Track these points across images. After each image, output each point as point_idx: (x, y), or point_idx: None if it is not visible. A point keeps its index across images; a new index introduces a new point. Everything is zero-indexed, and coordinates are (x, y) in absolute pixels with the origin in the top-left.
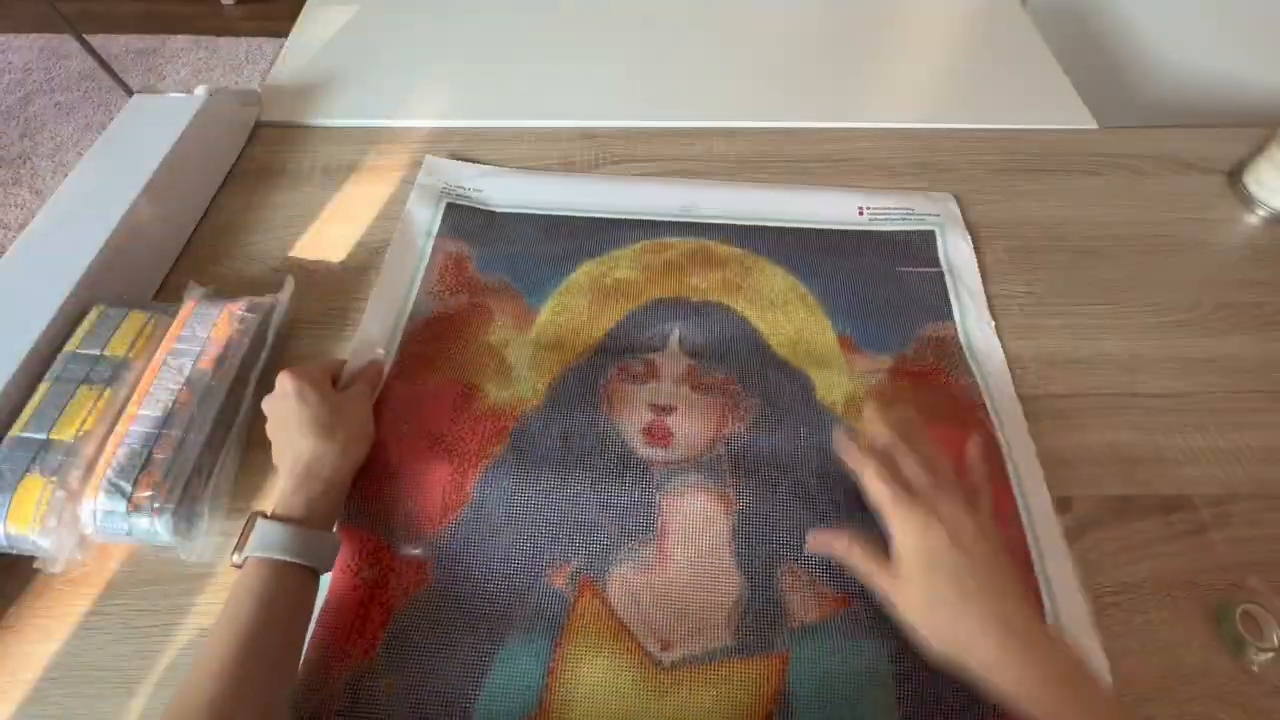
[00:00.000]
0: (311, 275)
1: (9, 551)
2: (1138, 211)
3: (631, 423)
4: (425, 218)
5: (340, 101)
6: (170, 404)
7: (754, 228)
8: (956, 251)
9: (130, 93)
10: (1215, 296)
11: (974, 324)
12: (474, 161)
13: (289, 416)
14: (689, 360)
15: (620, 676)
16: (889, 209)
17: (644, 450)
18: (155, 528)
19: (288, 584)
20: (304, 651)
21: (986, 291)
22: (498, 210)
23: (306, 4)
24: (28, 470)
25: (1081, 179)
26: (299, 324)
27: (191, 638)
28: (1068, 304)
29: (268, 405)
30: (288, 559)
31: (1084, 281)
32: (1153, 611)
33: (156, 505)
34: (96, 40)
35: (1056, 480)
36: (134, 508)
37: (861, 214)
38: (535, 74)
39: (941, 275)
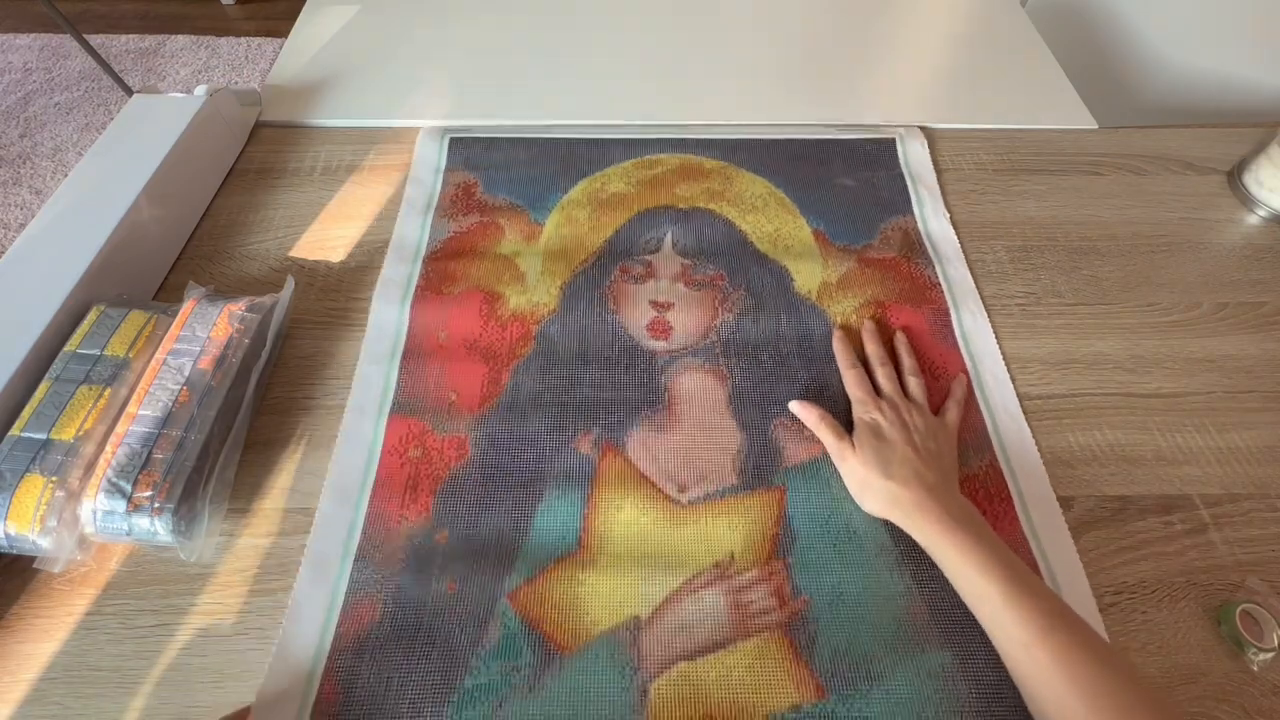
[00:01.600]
0: (311, 275)
1: (9, 551)
2: (1137, 211)
3: (636, 319)
4: (432, 155)
5: (340, 101)
6: (170, 404)
7: (733, 142)
8: (915, 155)
9: (130, 93)
10: (1215, 296)
11: (931, 215)
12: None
13: None
14: (682, 260)
15: (646, 514)
16: (855, 124)
17: (649, 343)
18: (155, 527)
19: None
20: (363, 524)
21: (986, 292)
22: (497, 137)
23: (306, 4)
24: (28, 470)
25: (1081, 179)
26: (299, 324)
27: (191, 637)
28: (1067, 304)
29: None
30: None
31: (1083, 281)
32: (1153, 611)
33: (156, 505)
34: (96, 40)
35: (1056, 480)
36: (134, 507)
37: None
38: (535, 74)
39: (902, 176)
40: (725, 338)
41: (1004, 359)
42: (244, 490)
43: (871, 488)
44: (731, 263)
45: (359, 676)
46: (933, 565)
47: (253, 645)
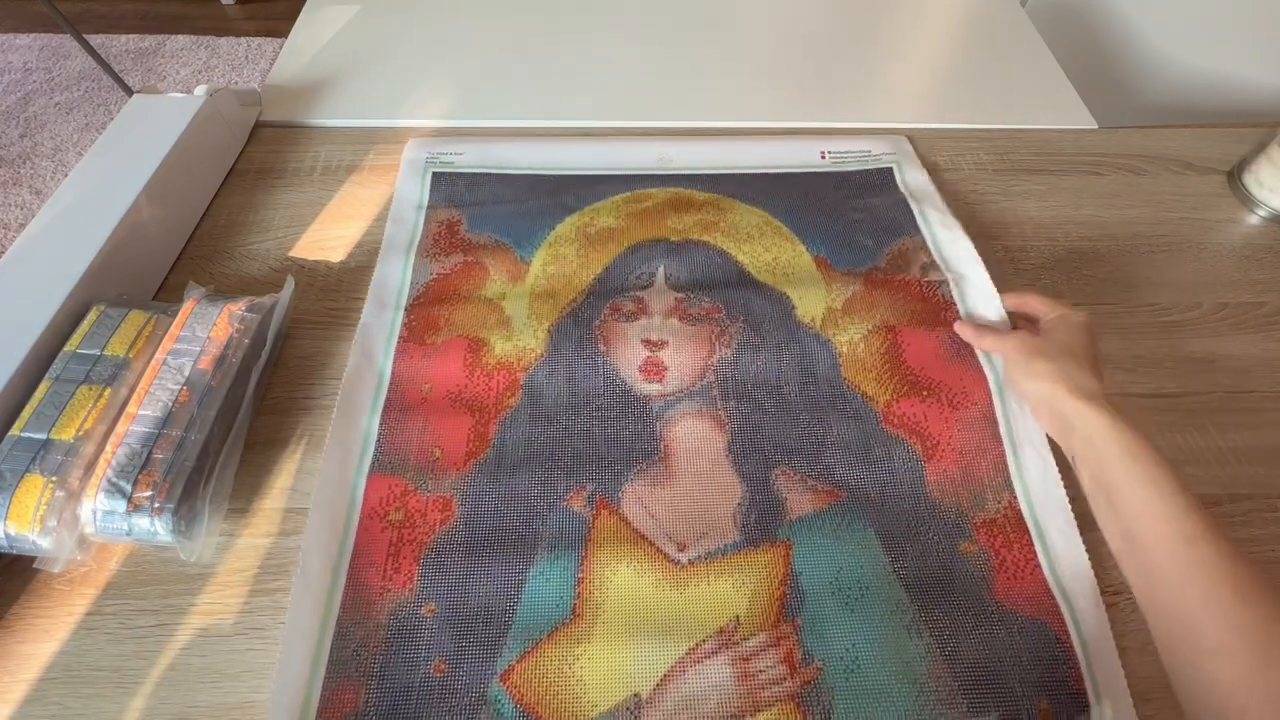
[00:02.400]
0: (311, 275)
1: (9, 551)
2: (1137, 211)
3: (628, 360)
4: (414, 191)
5: (340, 101)
6: (170, 404)
7: (725, 175)
8: (915, 181)
9: (130, 93)
10: (1215, 296)
11: (940, 231)
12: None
13: None
14: (675, 294)
15: (643, 577)
16: (848, 151)
17: (642, 386)
18: (155, 527)
19: None
20: (341, 598)
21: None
22: (481, 172)
23: (306, 4)
24: (28, 470)
25: (1081, 179)
26: (299, 324)
27: (191, 637)
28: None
29: None
30: None
31: (1083, 281)
32: None
33: (156, 505)
34: (96, 40)
35: None
36: (134, 507)
37: (823, 157)
38: (535, 74)
39: (905, 201)
40: (723, 377)
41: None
42: (244, 490)
43: (1054, 370)
44: (728, 294)
45: None
46: (951, 621)
47: (252, 645)
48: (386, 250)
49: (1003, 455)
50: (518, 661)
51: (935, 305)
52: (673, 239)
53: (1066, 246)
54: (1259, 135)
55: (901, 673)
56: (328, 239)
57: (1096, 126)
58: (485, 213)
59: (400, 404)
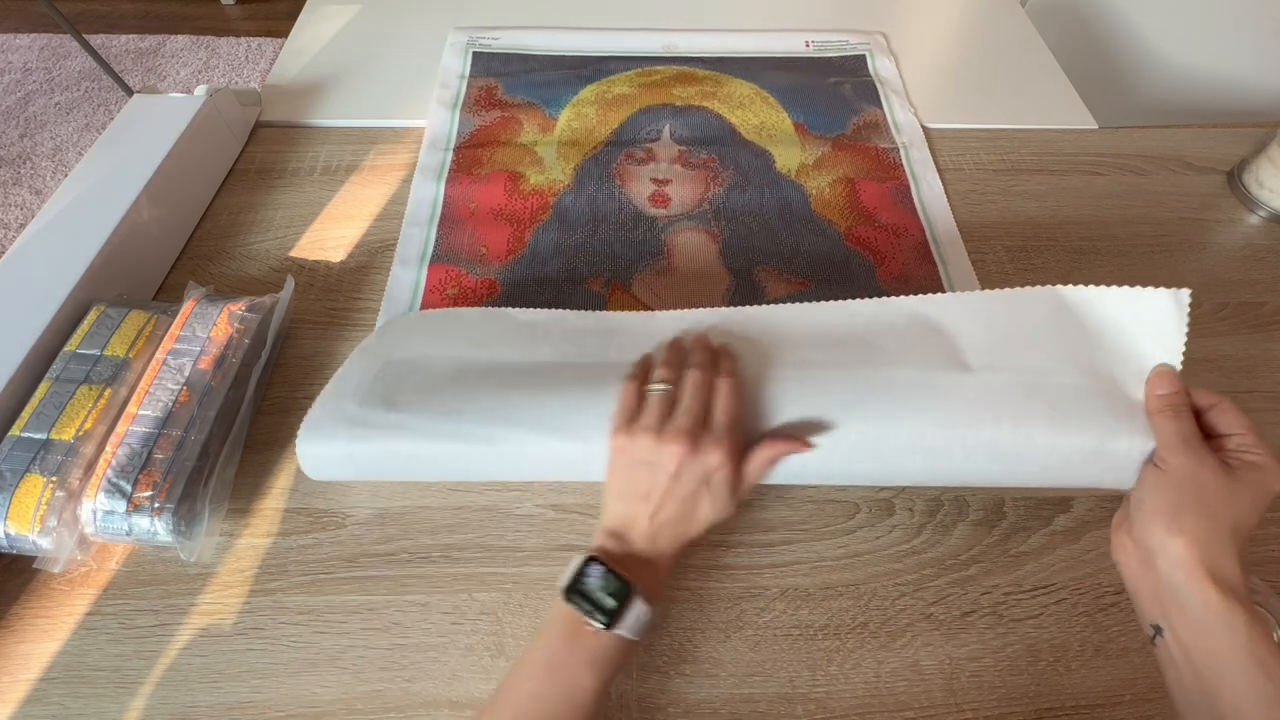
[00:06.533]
0: (311, 275)
1: (9, 551)
2: (1137, 211)
3: (639, 192)
4: (457, 65)
5: (340, 101)
6: (170, 404)
7: (723, 58)
8: (884, 67)
9: (130, 93)
10: (1215, 296)
11: (898, 109)
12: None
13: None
14: (679, 147)
15: None
16: (829, 41)
17: (650, 210)
18: (155, 527)
19: (624, 661)
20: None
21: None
22: (514, 52)
23: (306, 4)
24: (28, 470)
25: (1081, 179)
26: (299, 324)
27: (191, 637)
28: None
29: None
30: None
31: (1083, 282)
32: None
33: (156, 505)
34: (96, 40)
35: None
36: (134, 507)
37: (808, 46)
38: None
39: (873, 82)
40: (717, 206)
41: (955, 222)
42: (244, 490)
43: (1179, 520)
44: (722, 149)
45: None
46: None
47: (252, 645)
48: (436, 107)
49: (935, 269)
50: None
51: (887, 165)
52: (677, 104)
53: (1066, 246)
54: (1259, 135)
55: None
56: (328, 239)
57: (1096, 126)
58: (518, 80)
59: (451, 217)
